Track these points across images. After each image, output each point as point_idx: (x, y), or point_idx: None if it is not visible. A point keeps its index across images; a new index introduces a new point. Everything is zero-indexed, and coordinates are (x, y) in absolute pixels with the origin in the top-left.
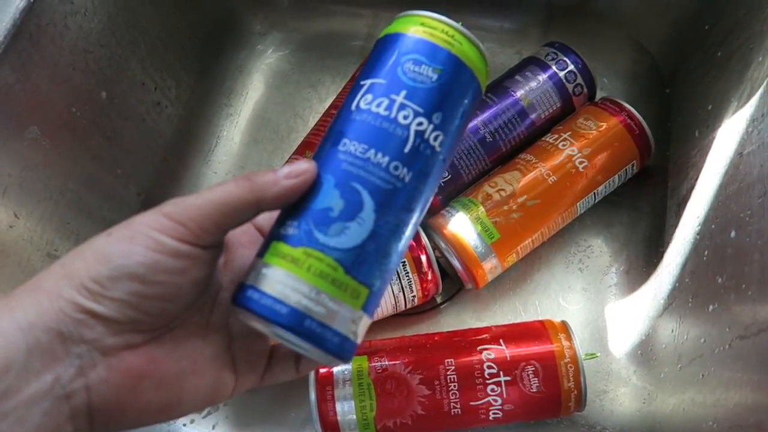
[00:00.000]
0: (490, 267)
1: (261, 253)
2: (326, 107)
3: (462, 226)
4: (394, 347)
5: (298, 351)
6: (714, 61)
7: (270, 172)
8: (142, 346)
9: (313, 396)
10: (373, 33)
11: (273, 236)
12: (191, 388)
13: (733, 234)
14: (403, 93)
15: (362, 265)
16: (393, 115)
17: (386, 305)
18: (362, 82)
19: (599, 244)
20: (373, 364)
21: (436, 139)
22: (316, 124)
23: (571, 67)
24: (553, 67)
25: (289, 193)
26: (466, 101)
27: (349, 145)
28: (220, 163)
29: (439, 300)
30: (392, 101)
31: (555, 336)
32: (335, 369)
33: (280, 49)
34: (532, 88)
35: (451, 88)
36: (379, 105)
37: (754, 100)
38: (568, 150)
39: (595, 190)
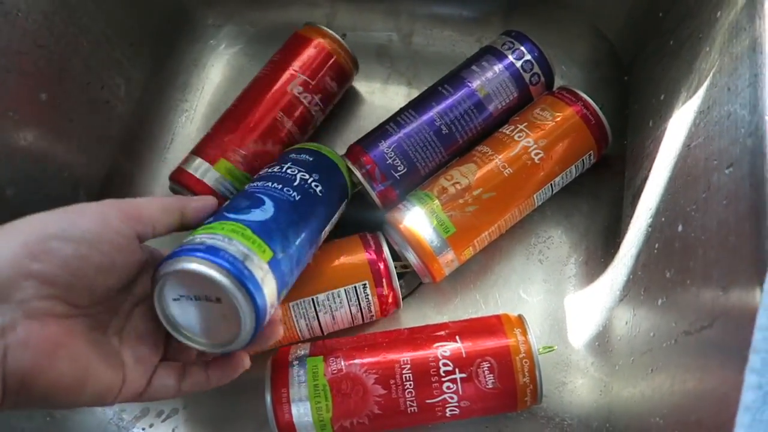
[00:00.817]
0: (447, 261)
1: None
2: None
3: (417, 221)
4: (350, 347)
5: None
6: (667, 48)
7: (191, 198)
8: (64, 318)
9: (268, 398)
10: (332, 23)
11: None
12: (95, 375)
13: (680, 228)
14: (288, 164)
15: (267, 233)
16: (284, 170)
17: (343, 321)
18: (260, 173)
19: (559, 235)
20: (328, 365)
21: (316, 186)
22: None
23: (528, 56)
24: (510, 57)
25: (199, 212)
26: (333, 177)
27: (255, 183)
28: (177, 160)
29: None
30: (281, 166)
31: (510, 331)
32: (290, 371)
33: (236, 42)
34: (488, 78)
35: (321, 165)
36: (271, 168)
37: (701, 92)
38: (524, 141)
39: (552, 182)
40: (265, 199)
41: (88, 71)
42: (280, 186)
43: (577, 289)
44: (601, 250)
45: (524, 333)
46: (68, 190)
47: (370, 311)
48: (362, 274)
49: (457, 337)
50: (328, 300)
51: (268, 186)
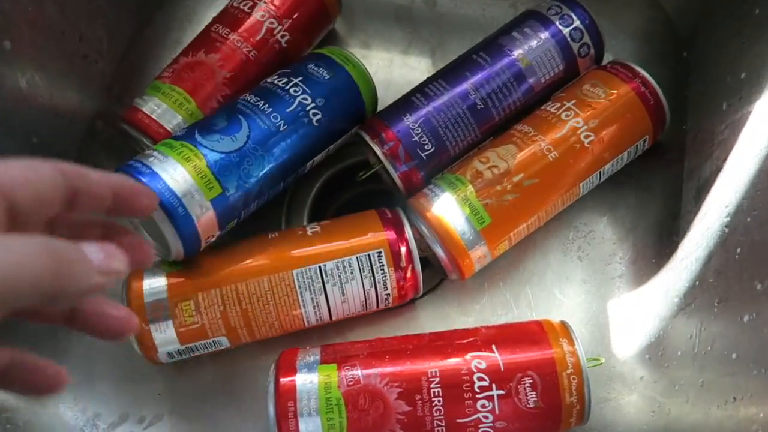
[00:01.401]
0: (479, 256)
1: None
2: None
3: (447, 209)
4: (367, 353)
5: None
6: (748, 19)
7: (83, 260)
8: None
9: (272, 411)
10: None
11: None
12: None
13: None
14: (300, 78)
15: (225, 168)
16: (287, 87)
17: (354, 301)
18: (275, 73)
19: (601, 229)
20: (343, 375)
21: (314, 115)
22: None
23: (577, 23)
24: (557, 23)
25: (95, 289)
26: (347, 105)
27: (248, 96)
28: None
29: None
30: (290, 80)
31: (555, 340)
32: (298, 381)
33: None
34: (531, 47)
35: (337, 89)
36: (279, 80)
37: None
38: (573, 121)
39: (601, 169)
40: (243, 122)
41: (63, 18)
42: (270, 109)
43: (622, 291)
44: (651, 249)
45: (571, 343)
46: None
47: (386, 288)
48: (377, 241)
49: (492, 346)
50: (338, 269)
51: (257, 106)
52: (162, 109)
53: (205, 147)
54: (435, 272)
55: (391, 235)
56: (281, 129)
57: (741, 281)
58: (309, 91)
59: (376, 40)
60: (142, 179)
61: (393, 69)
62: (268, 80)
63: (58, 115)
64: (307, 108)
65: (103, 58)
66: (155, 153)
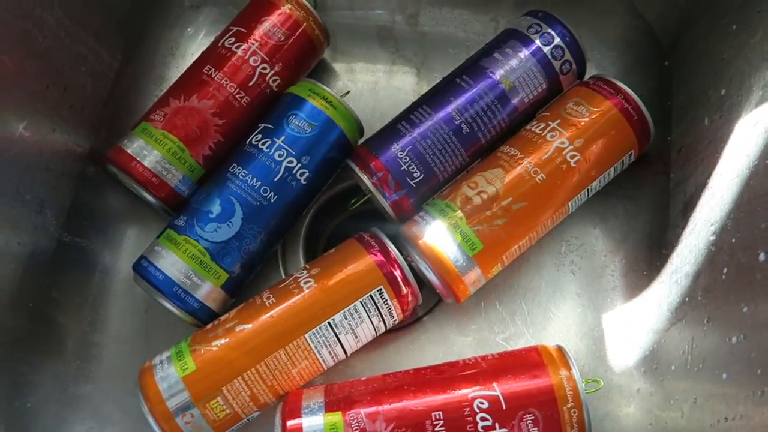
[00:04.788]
0: (473, 280)
1: (159, 235)
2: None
3: (439, 236)
4: (370, 395)
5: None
6: (727, 33)
7: None
8: None
9: None
10: (325, 1)
11: (169, 224)
12: None
13: (762, 257)
14: (282, 137)
15: (226, 253)
16: (271, 152)
17: (366, 337)
18: (259, 124)
19: (593, 242)
20: (348, 425)
21: (302, 174)
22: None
23: (558, 40)
24: (537, 42)
25: None
26: (333, 151)
27: (235, 169)
28: None
29: (419, 312)
30: (273, 142)
31: (555, 372)
32: (305, 425)
33: (217, 26)
34: (513, 67)
35: (320, 140)
36: (264, 142)
37: None
38: (558, 142)
39: (589, 186)
40: (236, 205)
41: (45, 73)
42: (258, 183)
43: (616, 304)
44: (642, 261)
45: (570, 377)
46: (34, 214)
47: (392, 316)
48: (374, 279)
49: (494, 385)
50: (346, 318)
51: (245, 181)
52: (155, 157)
53: (206, 240)
54: (433, 293)
55: (381, 263)
56: (272, 200)
57: (728, 302)
58: (293, 152)
59: (360, 63)
60: (152, 280)
61: (378, 91)
62: (253, 141)
63: (48, 169)
64: (294, 171)
65: (89, 104)
66: (159, 248)
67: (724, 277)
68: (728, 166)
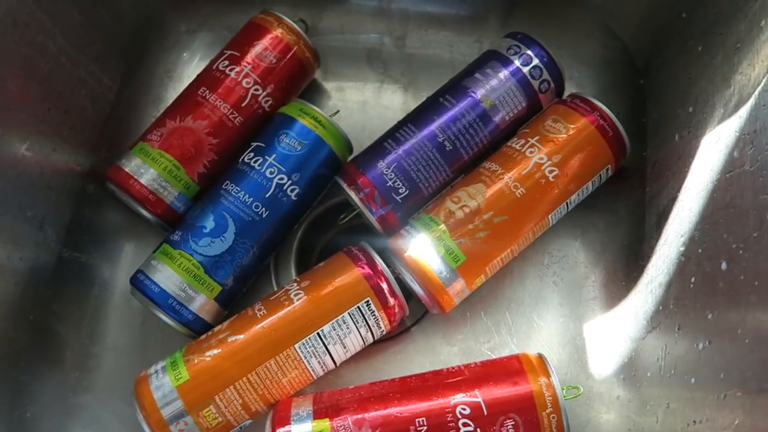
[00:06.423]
0: (457, 291)
1: (155, 250)
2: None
3: (424, 249)
4: (357, 402)
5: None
6: (693, 54)
7: None
8: None
9: None
10: (317, 25)
11: (165, 239)
12: None
13: (724, 266)
14: (274, 155)
15: (220, 266)
16: (263, 170)
17: (354, 347)
18: (251, 143)
19: (574, 254)
20: (335, 426)
21: (292, 191)
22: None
23: (536, 61)
24: (516, 62)
25: None
26: (322, 168)
27: (229, 186)
28: None
29: (407, 323)
30: (264, 159)
31: (535, 379)
32: None
33: (212, 49)
34: (493, 87)
35: (310, 158)
36: (255, 160)
37: (744, 111)
38: (537, 157)
39: (568, 200)
40: (228, 220)
41: (47, 96)
42: (250, 199)
43: (597, 313)
44: (621, 272)
45: (550, 384)
46: (35, 231)
47: (380, 327)
48: (362, 291)
49: (476, 392)
50: (335, 329)
51: (238, 197)
52: (152, 175)
53: (200, 254)
54: (420, 305)
55: (368, 275)
56: (264, 216)
57: (696, 310)
58: (284, 169)
59: (350, 83)
60: (149, 293)
61: (367, 110)
62: (246, 159)
63: (49, 187)
64: (285, 187)
65: (89, 125)
66: (155, 262)
67: (692, 286)
68: (696, 179)
